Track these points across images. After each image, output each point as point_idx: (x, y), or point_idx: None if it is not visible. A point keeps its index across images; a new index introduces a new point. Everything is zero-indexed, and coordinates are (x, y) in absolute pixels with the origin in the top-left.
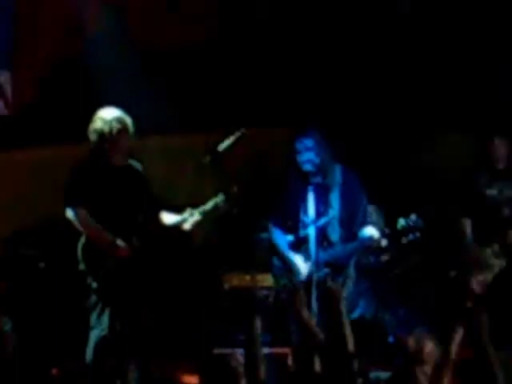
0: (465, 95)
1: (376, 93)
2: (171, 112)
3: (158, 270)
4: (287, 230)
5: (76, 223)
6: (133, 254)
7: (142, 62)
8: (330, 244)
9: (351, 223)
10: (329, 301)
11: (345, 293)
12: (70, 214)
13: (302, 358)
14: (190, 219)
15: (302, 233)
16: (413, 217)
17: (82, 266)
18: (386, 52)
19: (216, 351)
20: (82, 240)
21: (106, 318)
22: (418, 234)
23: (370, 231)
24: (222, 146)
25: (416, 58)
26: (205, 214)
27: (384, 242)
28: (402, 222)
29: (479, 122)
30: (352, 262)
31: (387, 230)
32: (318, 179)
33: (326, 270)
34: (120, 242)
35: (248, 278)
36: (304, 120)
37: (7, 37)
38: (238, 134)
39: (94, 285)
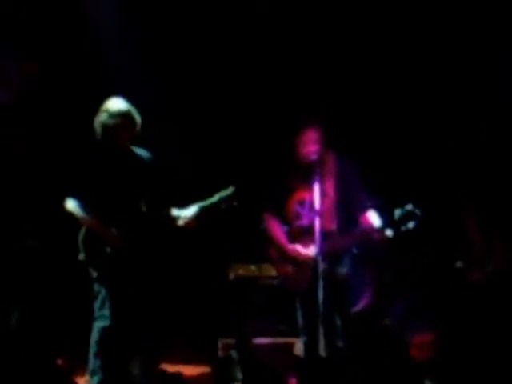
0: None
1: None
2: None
3: (161, 261)
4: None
5: (75, 214)
6: (130, 243)
7: None
8: (327, 234)
9: (349, 209)
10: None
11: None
12: (69, 204)
13: (310, 344)
14: (184, 215)
15: (297, 223)
16: (409, 206)
17: (81, 256)
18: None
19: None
20: (83, 230)
21: (108, 309)
22: (415, 224)
23: (372, 218)
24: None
25: (414, 54)
26: (205, 209)
27: (389, 232)
28: (398, 212)
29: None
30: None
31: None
32: (318, 169)
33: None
34: (114, 232)
35: (253, 268)
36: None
37: None
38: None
39: (95, 275)
